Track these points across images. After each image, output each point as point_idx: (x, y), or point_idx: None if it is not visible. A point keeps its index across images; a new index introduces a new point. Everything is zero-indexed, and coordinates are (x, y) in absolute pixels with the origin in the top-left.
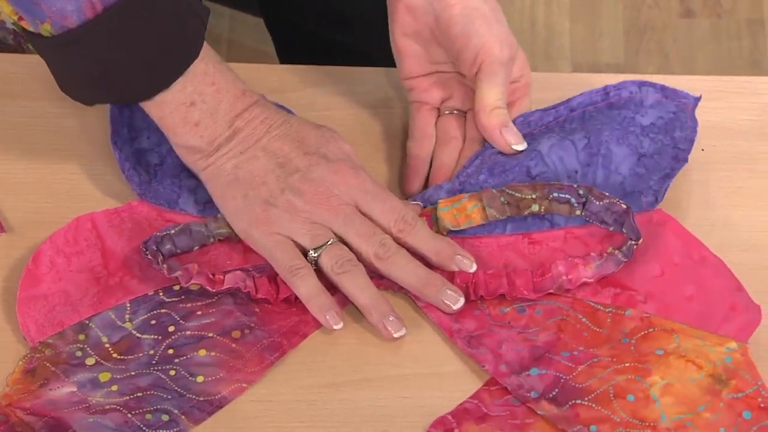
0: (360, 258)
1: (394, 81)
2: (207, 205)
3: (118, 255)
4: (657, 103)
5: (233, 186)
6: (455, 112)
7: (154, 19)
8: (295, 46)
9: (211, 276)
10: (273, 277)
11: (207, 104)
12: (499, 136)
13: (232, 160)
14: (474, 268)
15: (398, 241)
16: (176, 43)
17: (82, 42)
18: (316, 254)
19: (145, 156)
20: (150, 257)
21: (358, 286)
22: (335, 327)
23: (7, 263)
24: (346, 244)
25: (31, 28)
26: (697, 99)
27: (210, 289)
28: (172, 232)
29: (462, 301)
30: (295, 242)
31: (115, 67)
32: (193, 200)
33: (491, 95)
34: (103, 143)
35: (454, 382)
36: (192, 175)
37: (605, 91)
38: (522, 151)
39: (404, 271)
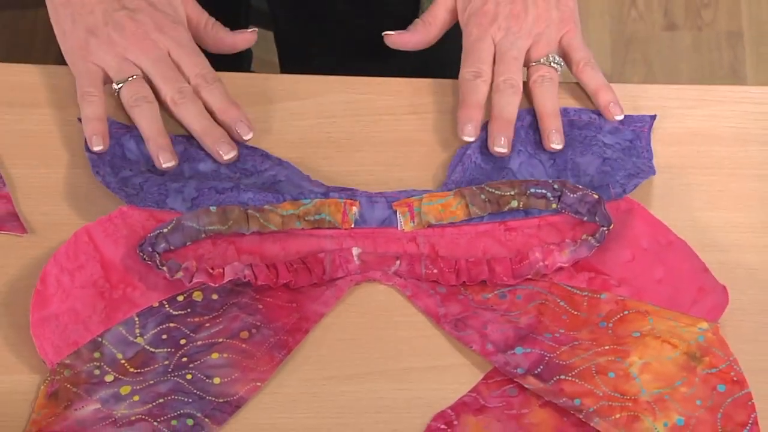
0: (160, 100)
1: (395, 89)
2: (195, 201)
3: (118, 265)
4: (615, 129)
5: (65, 7)
6: None
7: None
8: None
9: (210, 271)
10: (271, 265)
11: None
12: None
13: None
14: (250, 136)
15: (196, 94)
16: None
17: None
18: (118, 87)
19: (129, 180)
20: (149, 261)
21: (146, 119)
22: (96, 149)
23: (27, 263)
24: (152, 85)
25: None
26: (653, 118)
27: (212, 284)
28: (165, 230)
29: (234, 154)
30: (106, 75)
31: None
32: (180, 198)
33: None
34: None
35: (452, 375)
36: (176, 179)
37: (564, 109)
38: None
39: (192, 118)
